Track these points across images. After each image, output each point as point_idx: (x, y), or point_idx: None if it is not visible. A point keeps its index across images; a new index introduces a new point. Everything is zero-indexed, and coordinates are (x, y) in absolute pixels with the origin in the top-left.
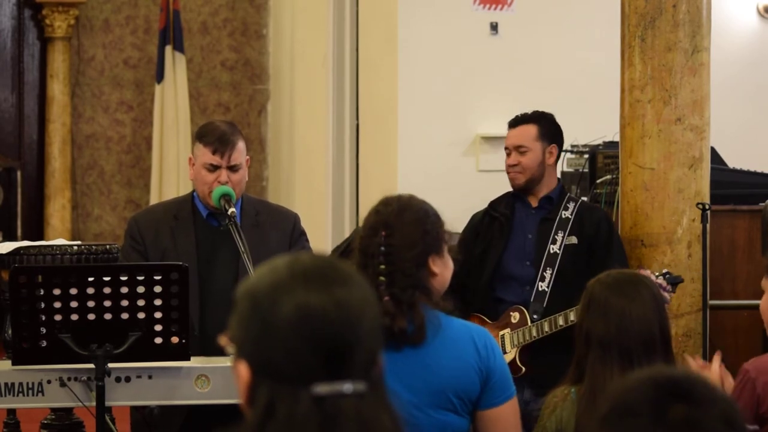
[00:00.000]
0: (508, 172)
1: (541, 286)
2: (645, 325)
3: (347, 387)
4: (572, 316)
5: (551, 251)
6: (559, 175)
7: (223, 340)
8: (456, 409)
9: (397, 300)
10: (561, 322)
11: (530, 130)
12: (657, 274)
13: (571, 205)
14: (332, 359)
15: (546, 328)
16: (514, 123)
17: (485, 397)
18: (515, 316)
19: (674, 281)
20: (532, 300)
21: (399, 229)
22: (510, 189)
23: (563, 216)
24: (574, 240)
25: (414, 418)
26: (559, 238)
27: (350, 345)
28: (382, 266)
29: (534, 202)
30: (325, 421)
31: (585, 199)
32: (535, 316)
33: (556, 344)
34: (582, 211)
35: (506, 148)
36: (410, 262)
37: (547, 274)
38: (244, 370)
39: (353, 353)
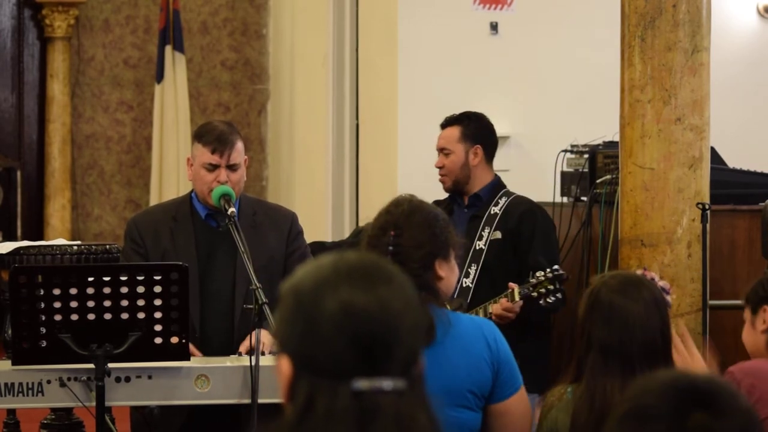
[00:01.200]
0: (438, 175)
1: (465, 282)
2: (648, 331)
3: (386, 384)
4: (490, 309)
5: (477, 247)
6: (559, 174)
7: (266, 336)
8: (471, 406)
9: None
10: (481, 315)
11: (453, 132)
12: (547, 269)
13: (502, 201)
14: (373, 356)
15: None
16: (442, 125)
17: (496, 390)
18: None
19: (561, 278)
20: (455, 296)
21: (408, 229)
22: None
23: (492, 212)
24: (498, 235)
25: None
26: (485, 234)
27: (391, 343)
28: None
29: (465, 201)
30: (364, 417)
31: (584, 198)
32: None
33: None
34: (509, 206)
35: (437, 150)
36: (417, 263)
37: (472, 270)
38: (285, 365)
39: (393, 351)
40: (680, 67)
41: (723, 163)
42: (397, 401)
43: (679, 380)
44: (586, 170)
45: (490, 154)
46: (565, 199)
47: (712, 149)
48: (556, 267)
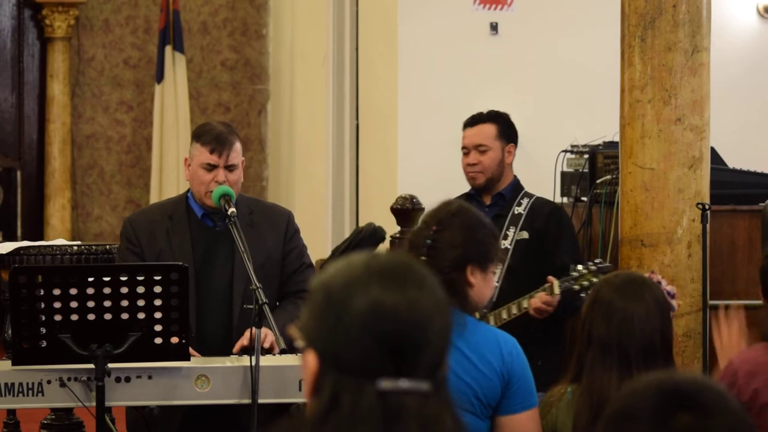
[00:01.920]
0: (467, 172)
1: None
2: (647, 330)
3: (412, 385)
4: (515, 310)
5: (502, 247)
6: (559, 175)
7: (293, 330)
8: (476, 412)
9: None
10: (504, 315)
11: (490, 129)
12: (589, 263)
13: (524, 201)
14: (399, 357)
15: (492, 322)
16: (472, 122)
17: (504, 402)
18: None
19: (605, 270)
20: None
21: (449, 228)
22: (467, 191)
23: (515, 212)
24: (525, 235)
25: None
26: (510, 233)
27: (418, 345)
28: (423, 258)
29: (487, 200)
30: (388, 416)
31: (585, 198)
32: (484, 310)
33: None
34: (535, 207)
35: (465, 147)
36: (449, 263)
37: (498, 269)
38: (312, 360)
39: (421, 353)
40: (680, 68)
41: (723, 163)
42: (422, 402)
43: (665, 382)
44: (586, 170)
45: (514, 154)
46: (565, 200)
47: (712, 149)
48: (599, 260)
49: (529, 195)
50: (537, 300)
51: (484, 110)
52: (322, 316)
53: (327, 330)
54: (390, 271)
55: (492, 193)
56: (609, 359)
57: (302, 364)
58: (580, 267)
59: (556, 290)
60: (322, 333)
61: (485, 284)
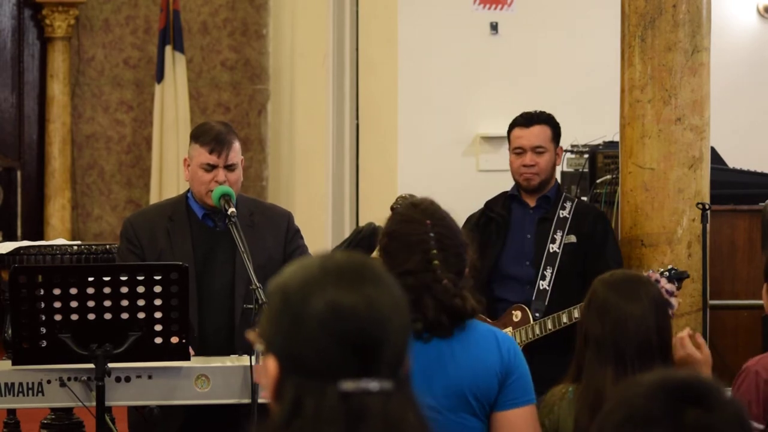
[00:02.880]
0: (521, 173)
1: (542, 285)
2: (642, 328)
3: (374, 385)
4: (576, 314)
5: (551, 250)
6: (558, 174)
7: (252, 336)
8: (475, 412)
9: (454, 282)
10: (565, 319)
11: (547, 132)
12: (662, 270)
13: (568, 205)
14: (360, 357)
15: (549, 325)
16: (528, 122)
17: (501, 397)
18: (517, 315)
19: (679, 277)
20: (533, 299)
21: (440, 219)
22: (505, 189)
23: (561, 215)
24: (573, 239)
25: (432, 421)
26: (558, 237)
27: (378, 343)
28: (434, 251)
29: (532, 202)
30: (352, 417)
31: (585, 198)
32: (537, 314)
33: (558, 343)
34: (579, 210)
35: (519, 148)
36: (457, 248)
37: (548, 273)
38: (272, 365)
39: (381, 352)
40: (680, 67)
41: (723, 163)
42: (385, 402)
43: (667, 380)
44: (586, 170)
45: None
46: None
47: (712, 149)
48: (671, 266)
49: (570, 198)
50: None
51: (535, 110)
52: (279, 319)
53: (285, 333)
54: (346, 270)
55: (538, 195)
56: (604, 358)
57: (263, 369)
58: (655, 273)
59: None
60: (280, 336)
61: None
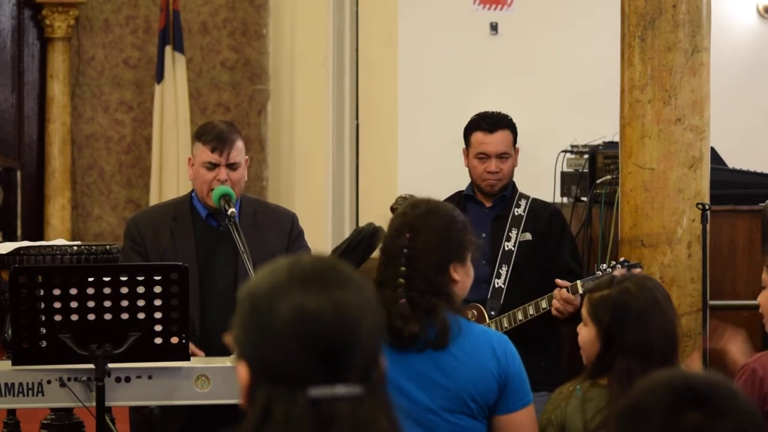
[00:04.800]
0: (483, 179)
1: (498, 283)
2: (667, 328)
3: (343, 390)
4: (531, 310)
5: (506, 248)
6: (559, 175)
7: (228, 339)
8: (473, 414)
9: (413, 304)
10: (520, 317)
11: (509, 137)
12: (614, 263)
13: (522, 202)
14: (329, 361)
15: (506, 323)
16: (492, 128)
17: (502, 402)
18: (472, 314)
19: (632, 267)
20: (489, 297)
21: (424, 232)
22: (459, 189)
23: (516, 213)
24: (528, 236)
25: (430, 422)
26: (513, 235)
27: (348, 347)
28: (403, 268)
29: (488, 202)
30: (320, 424)
31: (585, 198)
32: (492, 313)
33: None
34: (534, 208)
35: (483, 154)
36: (431, 266)
37: (503, 271)
38: (243, 371)
39: (351, 355)
40: (680, 68)
41: (723, 163)
42: (355, 407)
43: (676, 379)
44: (586, 170)
45: None
46: (565, 200)
47: (712, 149)
48: (623, 259)
49: (525, 196)
50: (558, 298)
51: (491, 110)
52: (247, 325)
53: (253, 340)
54: (312, 274)
55: (495, 196)
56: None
57: (237, 375)
58: (603, 266)
59: (580, 289)
60: (249, 343)
61: (467, 275)
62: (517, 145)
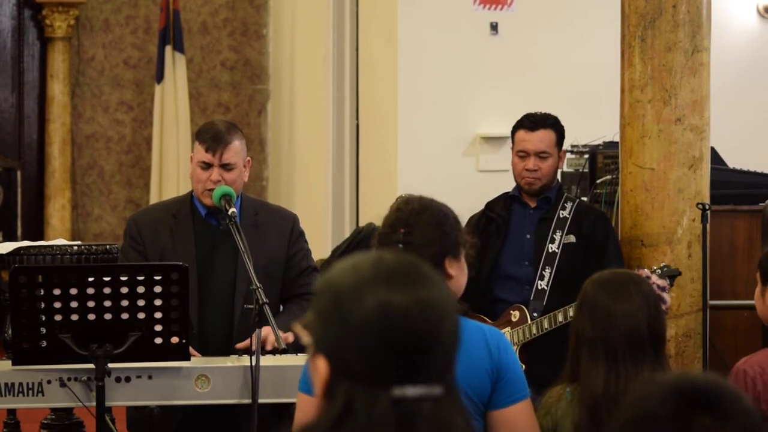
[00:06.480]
0: (522, 177)
1: (541, 285)
2: (631, 324)
3: (425, 390)
4: (571, 313)
5: (550, 250)
6: (559, 175)
7: (299, 329)
8: (470, 412)
9: None
10: (560, 318)
11: (551, 136)
12: (654, 267)
13: (568, 205)
14: (411, 360)
15: (546, 324)
16: (534, 126)
17: (496, 396)
18: (515, 315)
19: (671, 274)
20: (531, 298)
21: (418, 227)
22: (504, 189)
23: (561, 215)
24: (572, 239)
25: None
26: (557, 237)
27: (430, 346)
28: None
29: (532, 203)
30: (402, 423)
31: (585, 198)
32: (535, 314)
33: (555, 342)
34: (580, 211)
35: (523, 151)
36: (426, 261)
37: (546, 272)
38: (322, 365)
39: (433, 355)
40: (680, 68)
41: (723, 163)
42: (435, 407)
43: (682, 383)
44: (586, 170)
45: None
46: None
47: (712, 149)
48: (664, 264)
49: (571, 199)
50: None
51: (541, 113)
52: (329, 319)
53: (336, 335)
54: (398, 272)
55: (539, 196)
56: (596, 356)
57: (310, 365)
58: (645, 270)
59: None
60: (330, 338)
61: (461, 271)
62: (564, 149)
